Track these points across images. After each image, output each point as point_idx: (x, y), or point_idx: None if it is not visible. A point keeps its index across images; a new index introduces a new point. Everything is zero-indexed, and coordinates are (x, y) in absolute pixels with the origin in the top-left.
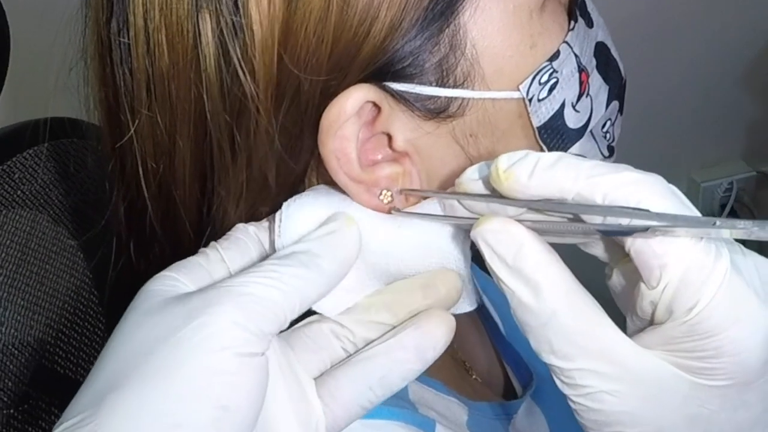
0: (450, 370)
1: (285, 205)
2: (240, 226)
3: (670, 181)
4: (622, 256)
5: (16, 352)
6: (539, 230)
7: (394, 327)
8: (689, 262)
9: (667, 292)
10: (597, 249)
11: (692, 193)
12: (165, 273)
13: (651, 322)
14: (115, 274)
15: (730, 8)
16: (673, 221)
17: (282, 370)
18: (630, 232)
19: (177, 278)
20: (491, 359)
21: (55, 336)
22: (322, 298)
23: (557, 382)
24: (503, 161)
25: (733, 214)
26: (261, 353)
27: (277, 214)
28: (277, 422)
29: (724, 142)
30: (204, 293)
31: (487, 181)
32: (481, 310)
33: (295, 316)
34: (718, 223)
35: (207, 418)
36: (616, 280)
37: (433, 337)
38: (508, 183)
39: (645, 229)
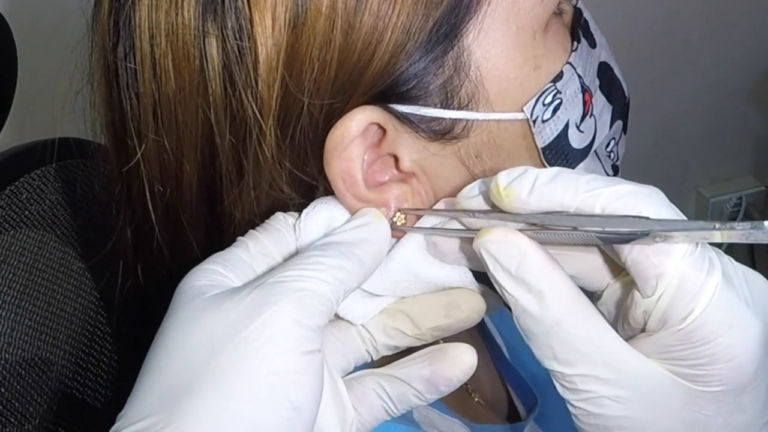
0: (453, 392)
1: (305, 212)
2: (279, 215)
3: (678, 196)
4: (613, 275)
5: (23, 372)
6: (540, 240)
7: (416, 338)
8: (684, 271)
9: (662, 301)
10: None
11: (701, 208)
12: (207, 266)
13: (642, 332)
14: (123, 296)
15: (738, 25)
16: (674, 226)
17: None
18: (630, 238)
19: (222, 273)
20: (495, 382)
21: (63, 356)
22: (357, 288)
23: (558, 387)
24: (503, 178)
25: None
26: (318, 350)
27: (297, 222)
28: (320, 420)
29: (733, 157)
30: (260, 290)
31: (486, 197)
32: (484, 332)
33: (338, 307)
34: (717, 226)
35: (282, 419)
36: (606, 298)
37: (447, 377)
38: (509, 200)
39: (646, 234)
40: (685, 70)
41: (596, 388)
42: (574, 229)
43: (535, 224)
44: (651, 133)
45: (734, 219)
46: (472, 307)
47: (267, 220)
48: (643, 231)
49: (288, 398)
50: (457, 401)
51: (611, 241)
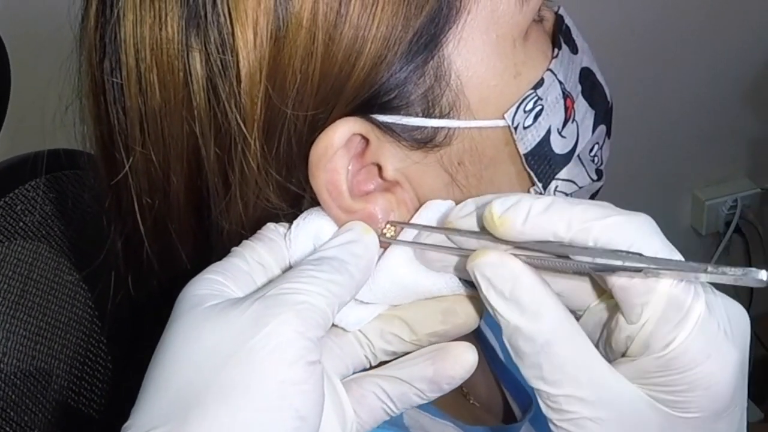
0: (446, 395)
1: (295, 223)
2: (271, 225)
3: (674, 199)
4: (595, 298)
5: (18, 382)
6: (531, 265)
7: (413, 343)
8: (670, 300)
9: (646, 328)
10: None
11: (697, 211)
12: (209, 276)
13: (623, 356)
14: (115, 306)
15: (733, 26)
16: (666, 265)
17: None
18: (622, 271)
19: (223, 282)
20: (490, 384)
21: (58, 366)
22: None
23: (543, 407)
24: (497, 207)
25: (738, 231)
26: (319, 361)
27: (287, 233)
28: (322, 425)
29: (729, 160)
30: (262, 301)
31: (479, 218)
32: (478, 334)
33: (333, 320)
34: (709, 269)
35: (289, 428)
36: (587, 318)
37: (450, 376)
38: (503, 228)
39: (638, 271)
40: (679, 73)
41: (579, 410)
42: (567, 258)
43: (526, 249)
44: (646, 136)
45: (730, 222)
46: (469, 313)
47: (259, 231)
48: (636, 267)
49: (294, 408)
50: (452, 403)
51: (603, 272)
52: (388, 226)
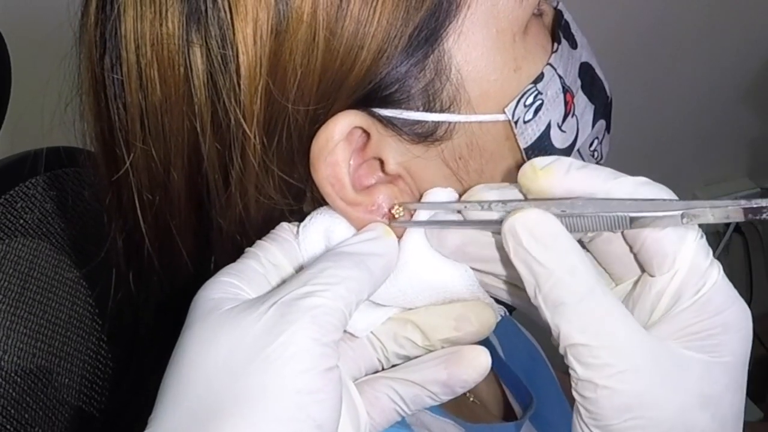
0: None
1: (302, 224)
2: (284, 225)
3: None
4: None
5: (18, 380)
6: (567, 226)
7: (426, 348)
8: (698, 249)
9: (677, 277)
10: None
11: None
12: (223, 279)
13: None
14: (116, 304)
15: (732, 27)
16: (703, 204)
17: None
18: (659, 219)
19: (237, 285)
20: (490, 381)
21: (59, 364)
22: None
23: (580, 368)
24: (539, 161)
25: (738, 230)
26: (336, 365)
27: (297, 234)
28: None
29: (728, 159)
30: (277, 308)
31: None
32: None
33: (350, 319)
34: (743, 203)
35: None
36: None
37: (464, 380)
38: (546, 179)
39: (675, 216)
40: (679, 73)
41: (620, 361)
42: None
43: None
44: (646, 135)
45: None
46: (482, 321)
47: (273, 230)
48: (681, 209)
49: (312, 417)
50: (452, 401)
51: (642, 223)
52: (396, 207)
